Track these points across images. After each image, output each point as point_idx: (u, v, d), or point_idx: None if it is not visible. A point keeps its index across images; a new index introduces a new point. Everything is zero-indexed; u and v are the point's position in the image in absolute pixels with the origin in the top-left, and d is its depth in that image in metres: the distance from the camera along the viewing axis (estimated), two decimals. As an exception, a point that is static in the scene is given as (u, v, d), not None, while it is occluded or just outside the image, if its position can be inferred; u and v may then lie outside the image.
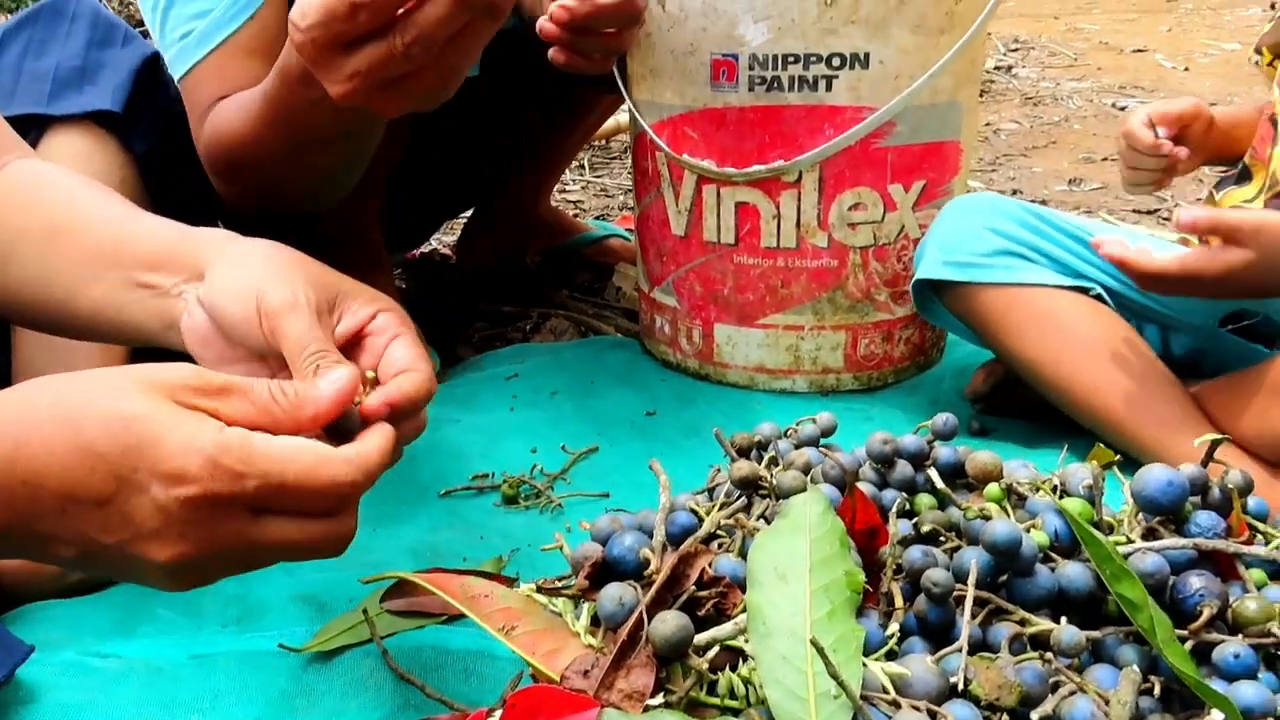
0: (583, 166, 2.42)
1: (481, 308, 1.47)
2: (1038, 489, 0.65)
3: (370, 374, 0.55)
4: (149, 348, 0.70)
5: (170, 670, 0.70)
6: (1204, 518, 0.62)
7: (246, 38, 0.97)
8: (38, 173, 0.70)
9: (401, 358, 0.57)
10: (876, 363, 1.19)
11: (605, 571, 0.57)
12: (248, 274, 0.57)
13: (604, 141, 2.54)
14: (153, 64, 1.04)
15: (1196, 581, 0.58)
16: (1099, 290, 0.97)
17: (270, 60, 0.98)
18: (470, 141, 1.44)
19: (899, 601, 0.56)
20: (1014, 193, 2.10)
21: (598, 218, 2.00)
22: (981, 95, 3.17)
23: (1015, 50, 3.93)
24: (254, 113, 0.91)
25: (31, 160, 0.72)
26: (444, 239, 1.86)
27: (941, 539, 0.63)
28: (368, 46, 0.66)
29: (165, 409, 0.45)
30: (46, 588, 0.81)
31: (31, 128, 1.00)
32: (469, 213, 1.68)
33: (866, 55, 1.05)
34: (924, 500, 0.67)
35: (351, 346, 0.59)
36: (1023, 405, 1.06)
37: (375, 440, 0.50)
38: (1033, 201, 2.03)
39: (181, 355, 0.61)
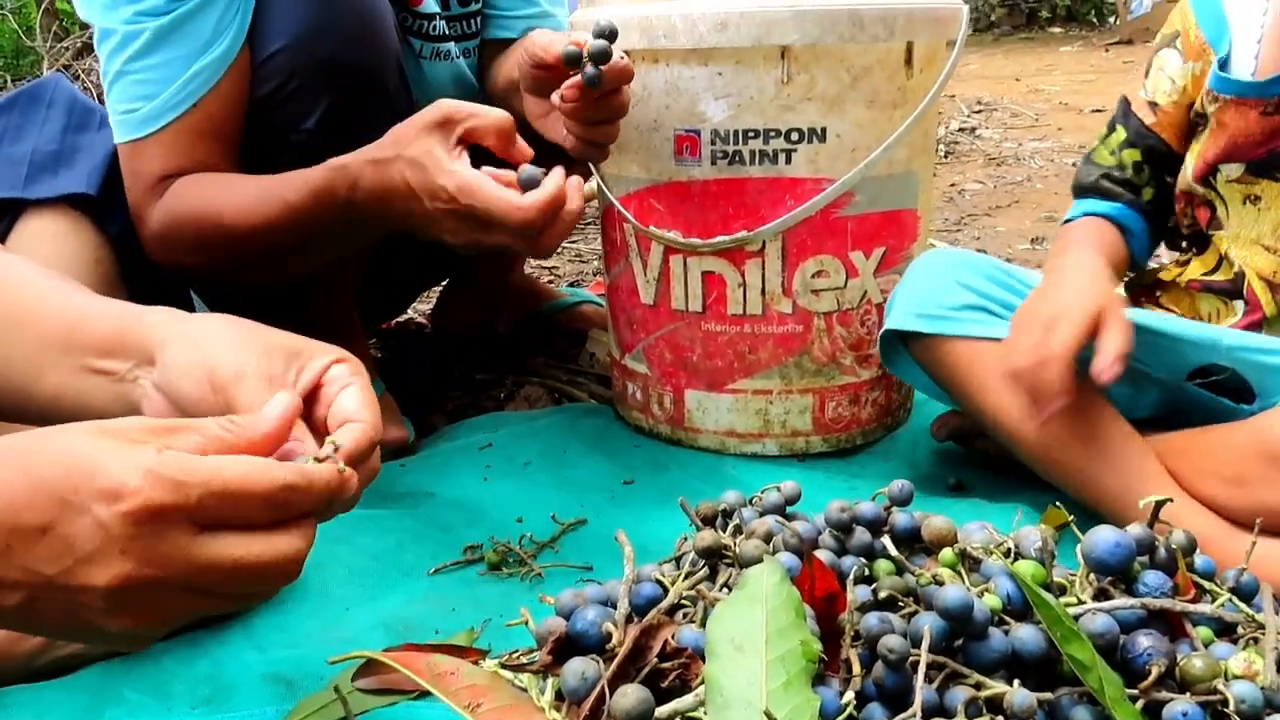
0: (557, 233, 2.45)
1: (456, 375, 1.49)
2: (991, 553, 0.67)
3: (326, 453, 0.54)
4: None
5: (140, 756, 0.70)
6: (1151, 577, 0.64)
7: (192, 122, 1.02)
8: None
9: (347, 406, 0.57)
10: (845, 425, 1.21)
11: (569, 646, 0.59)
12: (196, 353, 0.58)
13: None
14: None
15: (1145, 641, 0.60)
16: None
17: (215, 143, 1.04)
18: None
19: (857, 669, 0.57)
20: (979, 252, 2.15)
21: (572, 284, 2.03)
22: (946, 156, 3.26)
23: (979, 112, 4.04)
24: (262, 209, 0.98)
25: None
26: (419, 307, 1.88)
27: (900, 604, 0.64)
28: None
29: (112, 442, 0.46)
30: (17, 671, 0.81)
31: (6, 211, 1.02)
32: (444, 281, 1.71)
33: (824, 129, 1.09)
34: (882, 566, 0.68)
35: (310, 401, 0.59)
36: (983, 454, 1.08)
37: (325, 464, 0.50)
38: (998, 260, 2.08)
39: None
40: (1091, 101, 4.11)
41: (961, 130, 3.66)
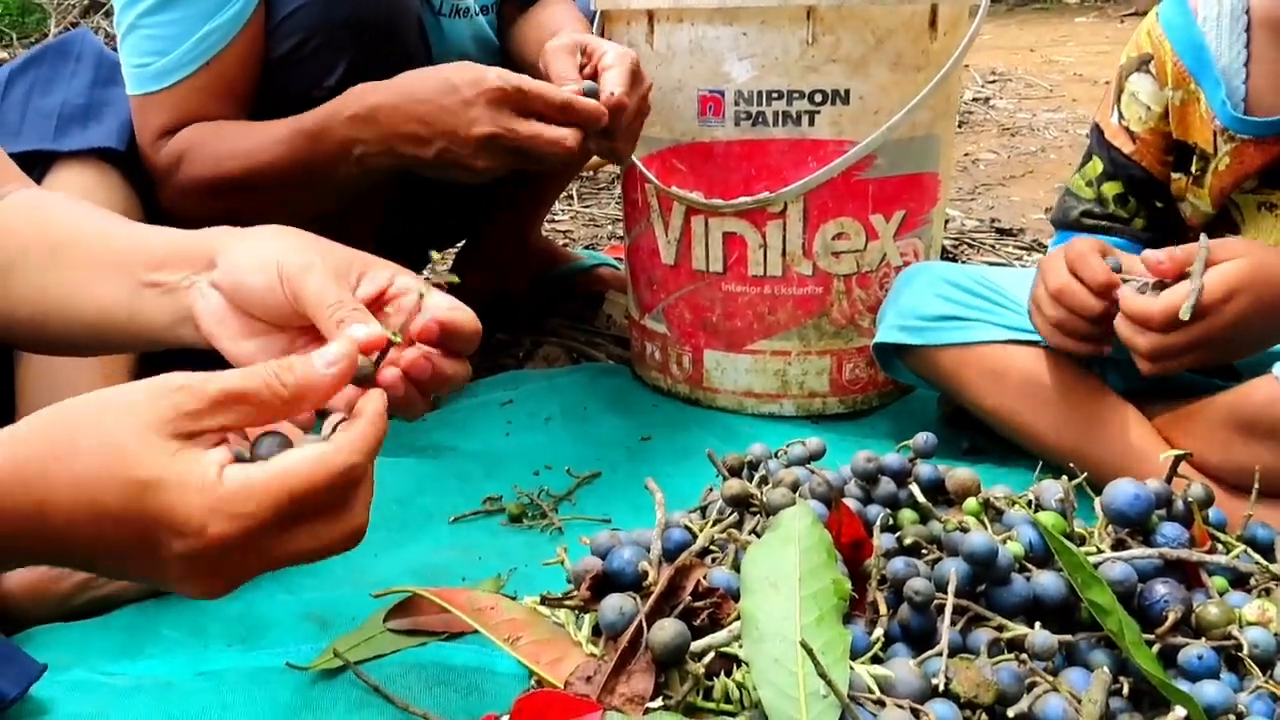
0: (571, 197, 2.46)
1: (474, 336, 1.50)
2: (1014, 503, 0.69)
3: (395, 336, 0.55)
4: (152, 358, 0.71)
5: (178, 686, 0.72)
6: (1169, 529, 0.66)
7: (204, 80, 1.03)
8: (39, 197, 0.73)
9: (443, 301, 0.58)
10: (861, 386, 1.23)
11: (605, 584, 0.60)
12: (265, 248, 0.59)
13: (592, 173, 2.59)
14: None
15: (1162, 589, 0.62)
16: (1045, 340, 1.01)
17: (226, 101, 1.05)
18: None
19: (883, 609, 0.59)
20: (992, 221, 2.16)
21: (587, 247, 2.04)
22: (960, 126, 3.25)
23: (993, 82, 4.02)
24: (268, 152, 0.99)
25: (33, 189, 0.75)
26: (437, 269, 1.89)
27: (923, 551, 0.66)
28: None
29: (171, 462, 0.46)
30: (53, 610, 0.83)
31: (37, 163, 1.03)
32: (460, 244, 1.72)
33: (847, 91, 1.10)
34: (906, 515, 0.70)
35: (376, 311, 0.59)
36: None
37: (366, 412, 0.50)
38: (1011, 229, 2.08)
39: (186, 356, 0.63)
40: (1106, 73, 4.07)
41: (976, 100, 3.65)
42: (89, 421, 0.48)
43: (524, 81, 0.92)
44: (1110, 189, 1.08)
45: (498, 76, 0.92)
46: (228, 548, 0.47)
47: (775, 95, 1.10)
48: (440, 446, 1.12)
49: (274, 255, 0.58)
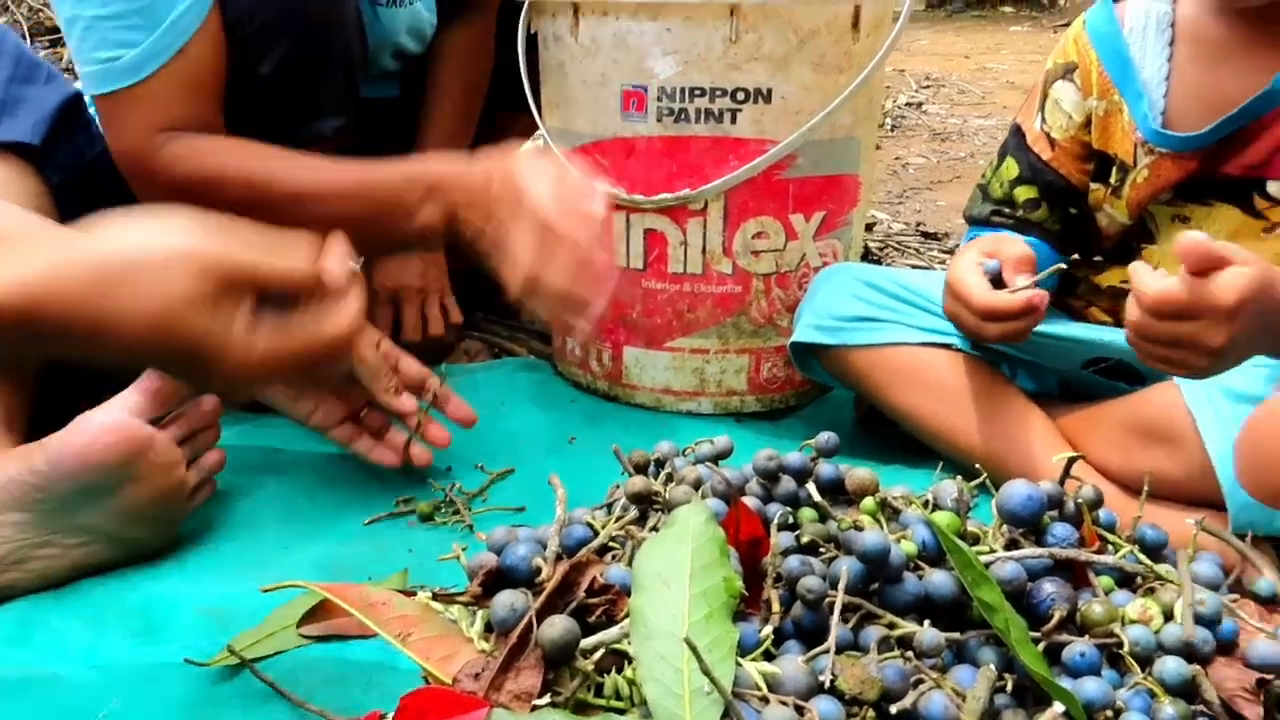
0: (503, 189, 2.44)
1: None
2: (910, 503, 0.70)
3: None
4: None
5: (68, 679, 0.70)
6: (1059, 529, 0.67)
7: (180, 69, 0.98)
8: None
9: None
10: (779, 386, 1.24)
11: (500, 579, 0.60)
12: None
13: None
14: (74, 104, 1.04)
15: (1050, 587, 0.63)
16: (959, 342, 1.03)
17: (203, 89, 1.00)
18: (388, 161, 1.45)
19: (776, 607, 0.59)
20: (918, 225, 2.19)
21: (516, 240, 2.02)
22: (893, 130, 3.30)
23: (927, 88, 4.08)
24: (326, 199, 0.98)
25: None
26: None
27: (821, 549, 0.66)
28: None
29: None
30: None
31: None
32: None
33: (769, 90, 1.10)
34: (806, 513, 0.71)
35: None
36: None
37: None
38: (936, 233, 2.12)
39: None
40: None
41: (909, 105, 3.70)
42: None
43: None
44: (1023, 193, 1.09)
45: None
46: None
47: (698, 92, 1.10)
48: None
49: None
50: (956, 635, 0.61)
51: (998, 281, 0.92)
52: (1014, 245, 0.97)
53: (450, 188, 0.95)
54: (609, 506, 0.77)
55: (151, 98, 0.98)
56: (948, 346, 1.03)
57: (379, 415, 1.03)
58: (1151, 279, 0.75)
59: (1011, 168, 1.10)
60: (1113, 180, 1.02)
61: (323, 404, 0.99)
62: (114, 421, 0.79)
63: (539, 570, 0.59)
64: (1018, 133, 1.11)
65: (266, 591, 0.69)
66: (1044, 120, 1.07)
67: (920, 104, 3.73)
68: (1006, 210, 1.10)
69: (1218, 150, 0.93)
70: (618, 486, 0.79)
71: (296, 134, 1.10)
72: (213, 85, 1.01)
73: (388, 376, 1.01)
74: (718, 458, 0.80)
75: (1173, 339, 0.74)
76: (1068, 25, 1.08)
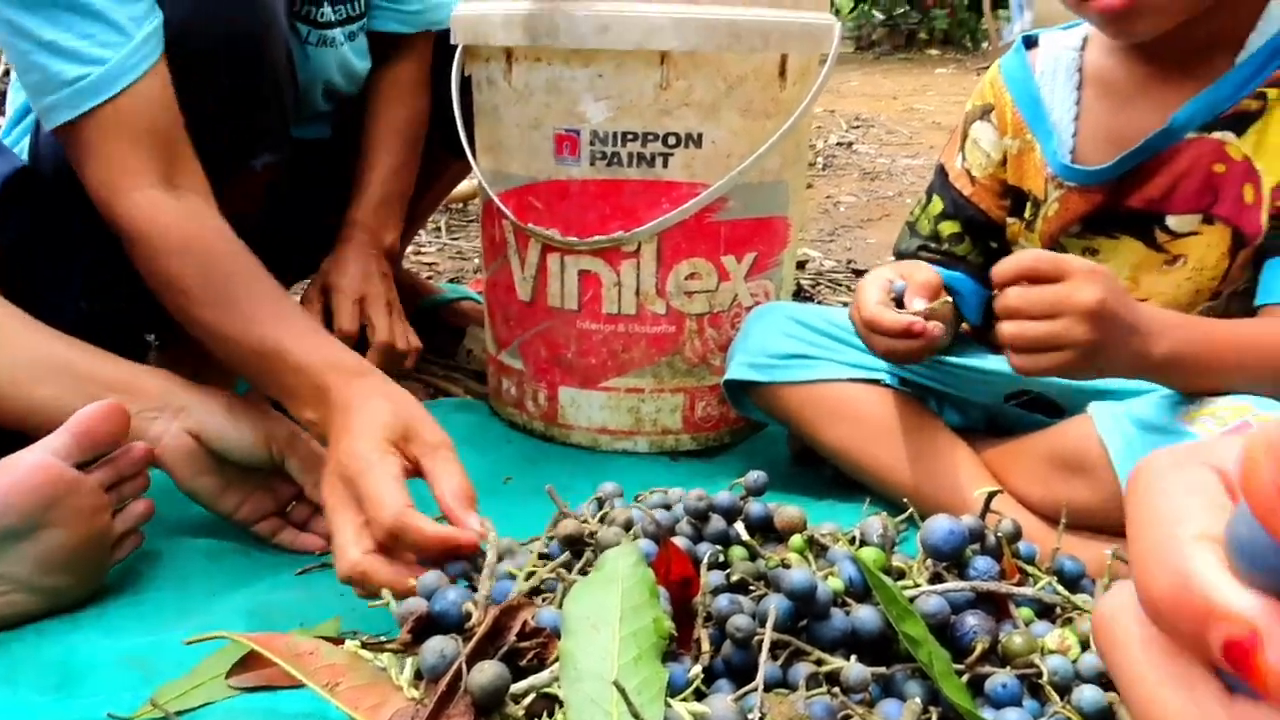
0: (439, 229, 2.44)
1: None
2: (838, 540, 0.71)
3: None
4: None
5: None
6: (981, 562, 0.69)
7: (153, 88, 0.94)
8: None
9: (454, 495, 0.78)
10: (713, 424, 1.25)
11: (430, 626, 0.60)
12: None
13: (461, 204, 2.57)
14: (21, 178, 1.01)
15: (972, 620, 0.65)
16: (887, 379, 1.06)
17: (173, 115, 0.95)
18: (322, 202, 1.45)
19: (706, 647, 0.60)
20: (849, 262, 2.24)
21: (452, 280, 2.02)
22: (824, 169, 3.37)
23: (857, 128, 4.19)
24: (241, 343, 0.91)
25: None
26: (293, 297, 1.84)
27: (751, 587, 0.67)
28: None
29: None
30: None
31: None
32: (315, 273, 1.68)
33: (700, 135, 1.13)
34: (736, 552, 0.72)
35: None
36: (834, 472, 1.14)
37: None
38: (867, 270, 2.17)
39: None
40: (961, 123, 4.30)
41: (840, 145, 3.79)
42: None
43: (405, 534, 0.77)
44: (947, 228, 1.14)
45: (392, 518, 0.76)
46: None
47: (630, 136, 1.12)
48: (285, 485, 1.09)
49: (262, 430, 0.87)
50: (883, 670, 0.62)
51: (900, 301, 0.97)
52: (922, 271, 1.01)
53: (303, 444, 0.94)
54: (543, 550, 0.77)
55: (127, 121, 0.92)
56: (876, 382, 1.06)
57: (305, 508, 0.98)
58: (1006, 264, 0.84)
59: (937, 204, 1.15)
60: (1027, 215, 1.07)
61: (249, 498, 0.95)
62: (38, 461, 0.78)
63: (469, 615, 0.59)
64: (941, 171, 1.16)
65: (190, 643, 0.68)
66: (964, 158, 1.12)
67: (850, 144, 3.83)
68: (933, 245, 1.14)
69: (1121, 185, 0.98)
70: (553, 528, 0.80)
71: (224, 170, 1.10)
72: (175, 111, 0.97)
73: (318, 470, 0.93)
74: (667, 507, 0.79)
75: (1044, 340, 0.80)
76: (989, 68, 1.14)
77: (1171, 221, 0.96)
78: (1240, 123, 0.92)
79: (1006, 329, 0.83)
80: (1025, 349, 0.83)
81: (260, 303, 0.92)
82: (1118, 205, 0.99)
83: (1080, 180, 1.00)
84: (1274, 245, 0.92)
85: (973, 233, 1.13)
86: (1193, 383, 0.87)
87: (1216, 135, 0.93)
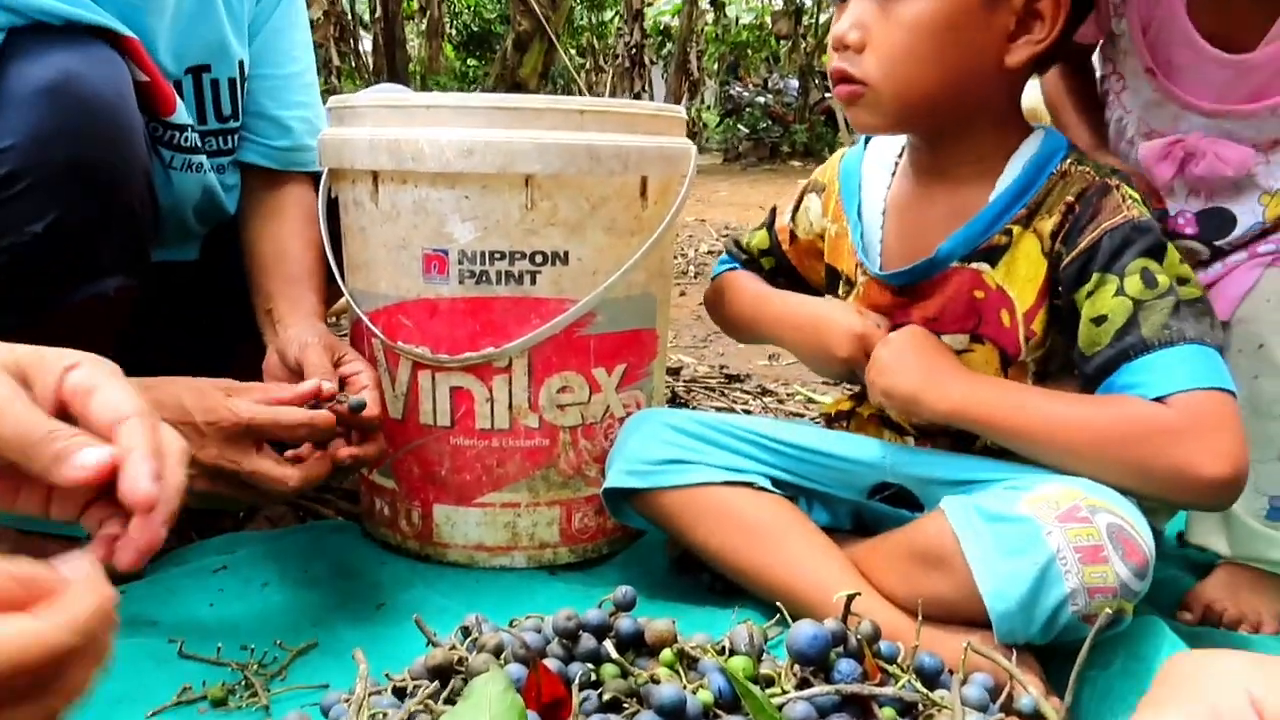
0: (312, 345, 2.40)
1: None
2: (707, 651, 0.72)
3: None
4: None
5: None
6: (844, 665, 0.71)
7: None
8: None
9: (116, 407, 0.52)
10: (591, 535, 1.25)
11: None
12: None
13: (335, 319, 2.54)
14: None
15: (838, 724, 0.66)
16: (759, 480, 1.09)
17: None
18: (192, 323, 1.42)
19: (579, 770, 0.60)
20: (721, 368, 2.30)
21: (324, 397, 1.98)
22: (695, 277, 3.47)
23: (727, 236, 4.34)
24: None
25: None
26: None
27: (624, 705, 0.67)
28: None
29: None
30: None
31: None
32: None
33: (566, 253, 1.16)
34: (609, 669, 0.72)
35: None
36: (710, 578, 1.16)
37: (84, 599, 0.45)
38: (739, 375, 2.23)
39: None
40: (824, 230, 4.51)
41: (710, 253, 3.93)
42: None
43: (255, 414, 0.95)
44: (766, 261, 1.29)
45: (228, 410, 0.94)
46: None
47: (498, 255, 1.15)
48: (138, 621, 1.03)
49: None
50: (755, 781, 0.63)
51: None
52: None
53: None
54: (407, 685, 0.75)
55: None
56: (749, 485, 1.08)
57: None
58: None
59: (763, 239, 1.29)
60: (840, 293, 1.16)
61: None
62: None
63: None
64: (772, 213, 1.29)
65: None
66: (793, 219, 1.25)
67: (720, 252, 3.96)
68: (754, 261, 1.29)
69: (904, 296, 1.07)
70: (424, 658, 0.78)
71: (72, 292, 1.07)
72: None
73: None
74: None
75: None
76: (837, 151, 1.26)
77: (946, 339, 1.04)
78: (993, 255, 1.01)
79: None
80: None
81: None
82: (907, 315, 1.07)
83: (875, 275, 1.09)
84: (1099, 367, 0.95)
85: (785, 274, 1.28)
86: (1004, 442, 0.97)
87: (974, 265, 1.02)
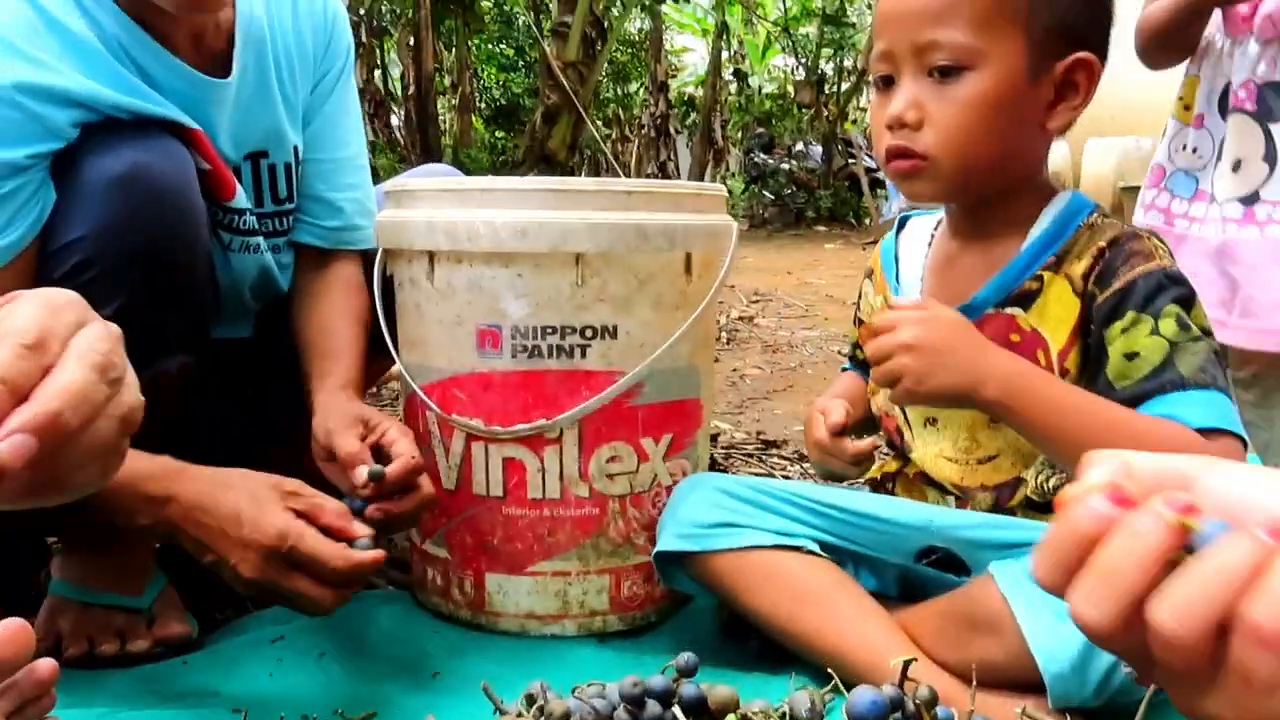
0: (355, 415, 2.45)
1: (247, 566, 1.44)
2: (769, 717, 0.74)
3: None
4: None
5: None
6: (905, 731, 0.72)
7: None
8: None
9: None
10: (640, 603, 1.27)
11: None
12: None
13: (375, 389, 2.60)
14: None
15: (901, 789, 0.68)
16: (810, 545, 1.11)
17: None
18: (244, 396, 1.46)
19: (652, 835, 0.61)
20: (759, 434, 2.32)
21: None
22: (728, 343, 3.51)
23: (756, 301, 4.39)
24: None
25: None
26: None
27: (691, 771, 0.69)
28: None
29: None
30: None
31: None
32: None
33: (615, 327, 1.20)
34: (674, 735, 0.74)
35: None
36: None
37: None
38: (776, 441, 2.25)
39: None
40: (852, 294, 4.55)
41: (741, 319, 3.97)
42: None
43: (301, 542, 1.00)
44: (860, 352, 1.30)
45: (277, 534, 1.00)
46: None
47: (550, 330, 1.19)
48: (199, 692, 1.06)
49: None
50: (823, 847, 0.64)
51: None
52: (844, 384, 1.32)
53: (173, 506, 1.02)
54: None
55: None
56: (798, 549, 1.10)
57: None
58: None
59: (853, 334, 1.36)
60: None
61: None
62: None
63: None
64: (856, 303, 1.36)
65: None
66: (858, 306, 1.33)
67: (752, 317, 4.01)
68: (856, 354, 1.34)
69: None
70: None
71: (138, 371, 1.11)
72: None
73: None
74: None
75: (886, 375, 1.01)
76: (875, 242, 1.33)
77: None
78: (1025, 300, 1.06)
79: (872, 373, 1.05)
80: (882, 383, 1.04)
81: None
82: None
83: None
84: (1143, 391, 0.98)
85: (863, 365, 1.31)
86: (1030, 435, 0.99)
87: (1009, 310, 1.07)
